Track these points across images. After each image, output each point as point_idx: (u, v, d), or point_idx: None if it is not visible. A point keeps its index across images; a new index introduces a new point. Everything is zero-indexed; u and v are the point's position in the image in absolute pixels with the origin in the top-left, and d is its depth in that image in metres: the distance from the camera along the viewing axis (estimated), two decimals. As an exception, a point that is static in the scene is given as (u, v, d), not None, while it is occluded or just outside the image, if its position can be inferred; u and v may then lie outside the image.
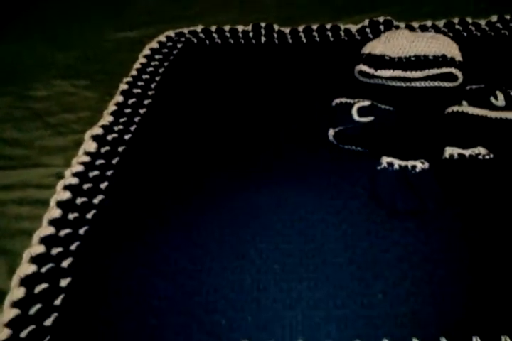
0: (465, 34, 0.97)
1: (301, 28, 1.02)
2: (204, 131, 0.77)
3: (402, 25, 1.01)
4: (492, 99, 0.71)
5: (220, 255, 0.56)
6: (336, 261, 0.55)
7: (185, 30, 1.05)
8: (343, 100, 0.75)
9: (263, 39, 1.01)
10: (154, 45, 1.00)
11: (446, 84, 0.81)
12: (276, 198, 0.63)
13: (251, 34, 1.02)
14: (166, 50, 1.00)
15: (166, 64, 0.96)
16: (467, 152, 0.64)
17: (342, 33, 1.00)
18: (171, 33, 1.04)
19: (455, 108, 0.69)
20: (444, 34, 0.96)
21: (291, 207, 0.62)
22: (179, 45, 1.01)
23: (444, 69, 0.79)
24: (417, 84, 0.83)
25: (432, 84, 0.82)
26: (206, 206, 0.63)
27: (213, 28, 1.04)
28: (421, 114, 0.73)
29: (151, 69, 0.94)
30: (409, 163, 0.63)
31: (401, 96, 0.81)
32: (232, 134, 0.76)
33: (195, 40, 1.02)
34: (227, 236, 0.58)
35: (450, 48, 0.84)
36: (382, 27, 1.00)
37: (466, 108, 0.69)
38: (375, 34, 0.97)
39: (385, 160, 0.64)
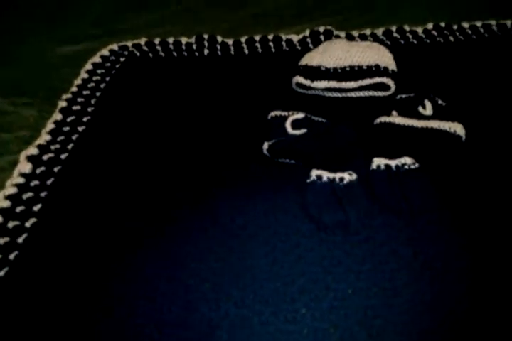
0: (402, 42, 0.99)
1: (243, 39, 1.03)
2: (143, 147, 0.77)
3: (343, 34, 1.02)
4: (420, 109, 0.73)
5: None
6: (263, 276, 0.56)
7: (129, 44, 1.04)
8: (278, 113, 0.76)
9: (206, 51, 1.01)
10: (96, 59, 1.00)
11: (379, 93, 0.83)
12: (210, 214, 0.64)
13: (194, 46, 1.02)
14: (108, 64, 0.99)
15: (107, 79, 0.95)
16: (393, 162, 0.66)
17: (284, 44, 1.02)
18: (115, 47, 1.03)
19: (383, 118, 0.71)
20: (383, 42, 0.98)
21: (222, 223, 0.62)
22: (122, 59, 1.01)
23: (377, 79, 0.81)
24: (352, 94, 0.84)
25: (365, 94, 0.83)
26: (142, 227, 0.63)
27: (157, 41, 1.04)
28: (354, 125, 0.74)
29: (92, 84, 0.93)
30: (338, 176, 0.65)
31: (337, 107, 0.82)
32: (173, 150, 0.77)
33: (138, 54, 1.02)
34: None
35: (384, 58, 0.86)
36: (322, 37, 1.01)
37: (393, 118, 0.71)
38: (315, 44, 0.99)
39: (315, 173, 0.65)
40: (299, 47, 1.01)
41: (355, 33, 1.03)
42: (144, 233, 0.62)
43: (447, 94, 0.80)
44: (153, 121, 0.83)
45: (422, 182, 0.64)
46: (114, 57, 1.01)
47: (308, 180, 0.65)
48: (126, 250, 0.60)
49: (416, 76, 0.87)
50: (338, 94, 0.85)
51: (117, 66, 0.99)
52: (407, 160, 0.66)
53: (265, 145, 0.71)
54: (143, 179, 0.71)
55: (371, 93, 0.84)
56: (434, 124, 0.70)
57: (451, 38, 0.99)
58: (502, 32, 0.99)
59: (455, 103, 0.78)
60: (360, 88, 0.84)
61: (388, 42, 0.99)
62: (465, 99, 0.80)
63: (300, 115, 0.74)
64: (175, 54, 1.02)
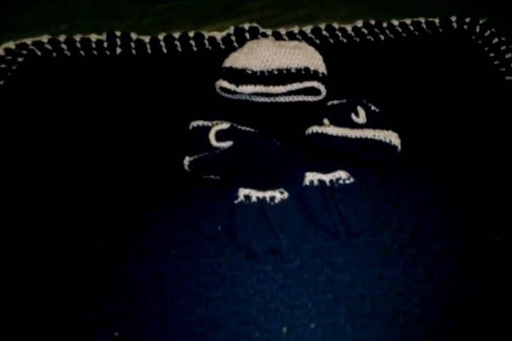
0: (331, 41, 0.94)
1: (161, 37, 0.93)
2: (39, 157, 0.67)
3: (269, 32, 0.96)
4: (353, 116, 0.68)
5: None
6: (187, 319, 0.48)
7: (29, 41, 0.91)
8: (201, 123, 0.68)
9: (119, 50, 0.90)
10: (-11, 59, 0.86)
11: (309, 98, 0.77)
12: (125, 240, 0.55)
13: (105, 44, 0.91)
14: (3, 66, 0.86)
15: (1, 82, 0.82)
16: (327, 177, 0.61)
17: (206, 42, 0.93)
18: (11, 45, 0.90)
19: (315, 128, 0.66)
20: (311, 41, 0.93)
21: (137, 252, 0.54)
22: (20, 59, 0.88)
23: (307, 84, 0.76)
24: (281, 99, 0.78)
25: (295, 99, 0.78)
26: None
27: (62, 38, 0.92)
28: (283, 136, 0.68)
29: (-18, 89, 0.80)
30: (268, 195, 0.58)
31: (265, 113, 0.76)
32: (74, 163, 0.66)
33: (40, 53, 0.89)
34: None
35: (313, 60, 0.80)
36: (248, 35, 0.94)
37: (326, 128, 0.66)
38: (240, 43, 0.91)
39: (242, 192, 0.58)
40: (222, 46, 0.92)
41: (282, 31, 0.97)
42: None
43: (380, 97, 0.76)
44: (51, 130, 0.72)
45: (358, 199, 0.59)
46: (10, 57, 0.88)
47: (235, 201, 0.58)
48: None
49: (347, 78, 0.82)
50: (266, 99, 0.79)
51: (14, 67, 0.86)
52: (341, 175, 0.61)
53: (186, 161, 0.63)
54: (38, 189, 0.61)
55: (301, 98, 0.78)
56: (369, 134, 0.65)
57: (382, 37, 0.96)
58: (432, 30, 0.96)
59: (389, 107, 0.74)
60: (290, 93, 0.78)
61: (317, 41, 0.94)
62: (399, 103, 0.77)
63: (225, 125, 0.67)
64: (82, 53, 0.90)
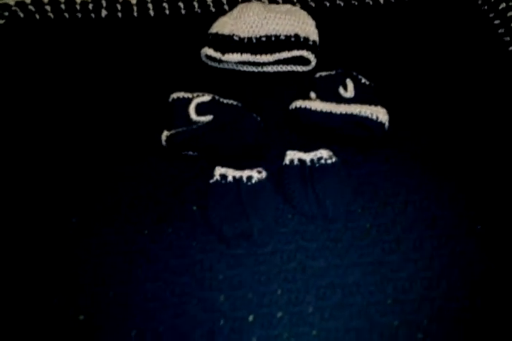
0: (327, 4, 0.88)
1: (149, -2, 0.88)
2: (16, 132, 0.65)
3: (263, -10, 0.89)
4: (341, 90, 0.64)
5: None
6: (152, 305, 0.48)
7: (12, 2, 0.87)
8: (181, 95, 0.65)
9: (104, 12, 0.85)
10: (-33, 21, 0.82)
11: (298, 68, 0.73)
12: (95, 219, 0.54)
13: (90, 6, 0.86)
14: (-17, 28, 0.82)
15: (-20, 47, 0.79)
16: (308, 156, 0.58)
17: (196, 4, 0.88)
18: (-8, 5, 0.85)
19: (299, 103, 0.62)
20: (306, 4, 0.87)
21: (106, 232, 0.53)
22: (1, 21, 0.84)
23: (295, 52, 0.71)
24: (269, 68, 0.74)
25: (283, 68, 0.73)
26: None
27: (46, -1, 0.87)
28: (266, 110, 0.65)
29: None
30: (245, 174, 0.56)
31: (252, 83, 0.72)
32: (52, 136, 0.64)
33: (22, 15, 0.85)
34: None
35: (305, 25, 0.75)
36: (239, -5, 0.88)
37: (310, 103, 0.62)
38: (231, 5, 0.85)
39: (219, 171, 0.56)
40: (212, 9, 0.87)
41: (277, -8, 0.90)
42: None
43: (375, 67, 0.72)
44: (31, 99, 0.70)
45: (339, 180, 0.56)
46: (-9, 19, 0.84)
47: (210, 181, 0.55)
48: None
49: (342, 46, 0.77)
50: (254, 69, 0.75)
51: (-6, 30, 0.82)
52: (323, 154, 0.58)
53: (163, 136, 0.60)
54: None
55: (289, 67, 0.74)
56: (355, 109, 0.61)
57: (381, 0, 0.89)
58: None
59: (383, 78, 0.70)
60: (278, 62, 0.73)
61: (312, 4, 0.88)
62: (395, 74, 0.72)
63: (206, 97, 0.64)
64: (66, 15, 0.86)
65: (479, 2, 0.87)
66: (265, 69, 0.74)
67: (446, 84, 0.71)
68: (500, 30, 0.81)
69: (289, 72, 0.74)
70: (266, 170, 0.57)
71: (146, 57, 0.77)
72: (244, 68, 0.75)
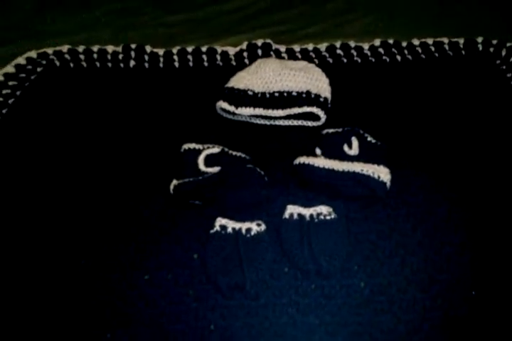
0: (345, 60, 0.92)
1: (175, 50, 0.94)
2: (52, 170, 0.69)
3: (283, 48, 0.95)
4: (345, 147, 0.67)
5: None
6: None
7: (50, 51, 0.94)
8: (192, 146, 0.68)
9: (132, 62, 0.92)
10: (10, 69, 0.90)
11: (308, 123, 0.76)
12: (101, 261, 0.57)
13: (120, 56, 0.93)
14: (23, 75, 0.89)
15: (18, 93, 0.86)
16: (308, 211, 0.60)
17: (218, 57, 0.93)
18: (33, 54, 0.93)
19: (302, 159, 0.65)
20: (325, 59, 0.91)
21: (109, 276, 0.55)
22: (39, 69, 0.91)
23: (306, 109, 0.75)
24: (280, 122, 0.78)
25: (294, 122, 0.77)
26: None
27: (81, 49, 0.94)
28: (276, 162, 0.67)
29: (0, 99, 0.84)
30: (244, 226, 0.58)
31: (263, 136, 0.75)
32: (80, 176, 0.69)
33: (58, 63, 0.92)
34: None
35: (318, 82, 0.79)
36: (260, 51, 0.93)
37: (313, 159, 0.64)
38: (252, 59, 0.91)
39: (219, 222, 0.58)
40: (234, 63, 0.92)
41: (296, 48, 0.95)
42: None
43: (388, 126, 0.74)
44: (65, 141, 0.75)
45: (336, 237, 0.58)
46: (30, 67, 0.91)
47: (211, 231, 0.58)
48: None
49: (356, 103, 0.81)
50: (266, 122, 0.79)
51: (33, 77, 0.89)
52: (323, 210, 0.60)
53: (172, 185, 0.64)
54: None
55: (300, 122, 0.77)
56: (357, 168, 0.63)
57: (399, 57, 0.93)
58: (454, 51, 0.92)
59: (394, 138, 0.72)
60: (289, 116, 0.77)
61: (330, 60, 0.92)
62: (407, 134, 0.74)
63: (216, 149, 0.67)
64: (98, 64, 0.93)
65: (497, 62, 0.90)
66: (277, 122, 0.78)
67: (456, 146, 0.72)
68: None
69: (299, 126, 0.77)
70: (266, 222, 0.59)
71: (167, 108, 0.82)
72: (257, 121, 0.79)
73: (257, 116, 0.78)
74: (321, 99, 0.77)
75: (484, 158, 0.68)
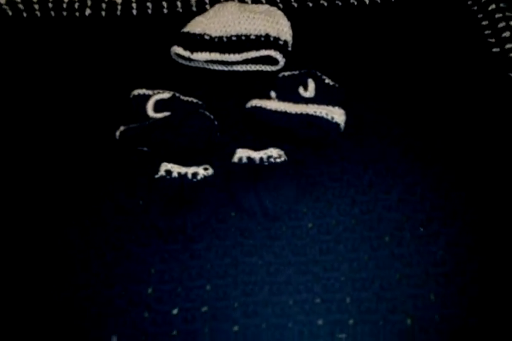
0: (310, 4, 0.88)
1: (133, -2, 0.89)
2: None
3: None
4: (301, 89, 0.64)
5: None
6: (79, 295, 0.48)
7: (3, 0, 0.89)
8: (142, 92, 0.65)
9: (88, 11, 0.87)
10: (-41, 19, 0.85)
11: (268, 68, 0.73)
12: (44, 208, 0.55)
13: (76, 5, 0.89)
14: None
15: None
16: (257, 155, 0.58)
17: (179, 3, 0.89)
18: (-17, 4, 0.89)
19: (254, 102, 0.62)
20: (289, 4, 0.87)
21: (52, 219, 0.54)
22: (-11, 20, 0.87)
23: (263, 52, 0.71)
24: (238, 68, 0.74)
25: (252, 67, 0.73)
26: None
27: (35, -3, 0.89)
28: (225, 109, 0.65)
29: None
30: (191, 170, 0.56)
31: (220, 82, 0.72)
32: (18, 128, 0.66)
33: (11, 12, 0.88)
34: None
35: (278, 25, 0.75)
36: (222, -5, 0.88)
37: (266, 102, 0.62)
38: (213, 4, 0.86)
39: (164, 167, 0.56)
40: (194, 8, 0.88)
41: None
42: None
43: (350, 68, 0.71)
44: (16, 91, 0.72)
45: (285, 180, 0.56)
46: (-20, 17, 0.87)
47: (156, 176, 0.56)
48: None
49: (317, 46, 0.77)
50: (224, 68, 0.75)
51: (-17, 27, 0.85)
52: (273, 153, 0.58)
53: (118, 131, 0.61)
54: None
55: (258, 67, 0.74)
56: (311, 110, 0.61)
57: (367, 0, 0.88)
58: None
59: (355, 79, 0.69)
60: (248, 61, 0.73)
61: (295, 5, 0.87)
62: (369, 75, 0.71)
63: (166, 95, 0.64)
64: (53, 13, 0.88)
65: (469, 2, 0.86)
66: (235, 68, 0.75)
67: (416, 89, 0.69)
68: (486, 31, 0.79)
69: (259, 71, 0.74)
70: (215, 167, 0.57)
71: (122, 56, 0.78)
72: (214, 67, 0.75)
73: (214, 62, 0.74)
74: (280, 42, 0.73)
75: (440, 100, 0.66)
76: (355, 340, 0.44)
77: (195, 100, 0.65)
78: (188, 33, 0.74)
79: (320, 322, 0.46)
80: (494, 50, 0.75)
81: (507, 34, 0.77)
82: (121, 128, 0.61)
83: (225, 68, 0.75)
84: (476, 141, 0.60)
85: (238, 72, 0.75)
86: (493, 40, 0.77)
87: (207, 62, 0.74)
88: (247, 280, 0.49)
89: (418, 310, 0.46)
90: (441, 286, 0.47)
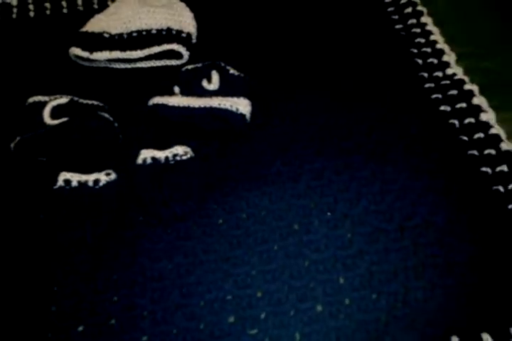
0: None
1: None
2: None
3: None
4: (204, 82, 0.62)
5: None
6: None
7: None
8: (37, 98, 0.62)
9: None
10: None
11: (172, 62, 0.71)
12: None
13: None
14: None
15: None
16: (162, 154, 0.56)
17: (80, 2, 0.85)
18: None
19: (155, 99, 0.60)
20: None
21: None
22: None
23: (165, 46, 0.69)
24: (142, 64, 0.72)
25: (156, 63, 0.71)
26: None
27: None
28: (133, 107, 0.62)
29: None
30: (91, 178, 0.53)
31: (123, 80, 0.70)
32: None
33: None
34: None
35: (180, 18, 0.73)
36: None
37: (167, 98, 0.60)
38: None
39: (63, 176, 0.54)
40: (96, 6, 0.84)
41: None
42: None
43: (254, 57, 0.70)
44: None
45: (192, 177, 0.54)
46: None
47: (54, 186, 0.53)
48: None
49: (223, 36, 0.75)
50: (128, 66, 0.72)
51: None
52: (178, 150, 0.56)
53: (13, 143, 0.58)
54: None
55: (163, 62, 0.72)
56: (215, 102, 0.59)
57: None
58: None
59: (257, 70, 0.67)
60: (150, 57, 0.71)
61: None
62: (277, 63, 0.69)
63: (63, 100, 0.61)
64: None
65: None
66: (138, 65, 0.72)
67: (327, 72, 0.68)
68: (389, 9, 0.79)
69: (164, 66, 0.72)
70: (119, 171, 0.55)
71: (21, 60, 0.74)
72: (117, 65, 0.72)
73: (116, 60, 0.71)
74: (183, 35, 0.71)
75: (345, 83, 0.65)
76: (266, 334, 0.43)
77: (95, 102, 0.63)
78: (86, 32, 0.71)
79: (231, 319, 0.45)
80: (397, 26, 0.75)
81: (409, 10, 0.77)
82: (17, 138, 0.58)
83: (128, 66, 0.72)
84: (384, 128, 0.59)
85: (143, 69, 0.72)
86: (397, 16, 0.78)
87: (109, 61, 0.71)
88: (155, 287, 0.47)
89: (327, 295, 0.46)
90: (350, 270, 0.47)
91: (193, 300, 0.46)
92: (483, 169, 0.55)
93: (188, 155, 0.56)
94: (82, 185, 0.53)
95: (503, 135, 0.59)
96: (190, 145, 0.58)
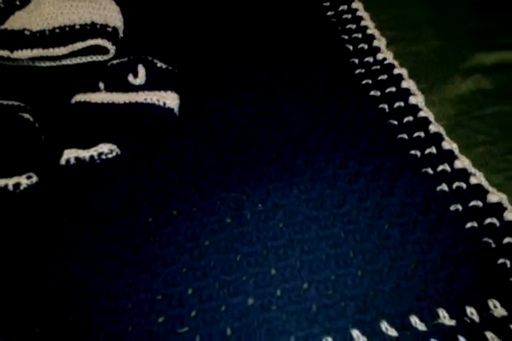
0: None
1: None
2: None
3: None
4: (130, 77, 0.60)
5: None
6: None
7: None
8: (-48, 102, 0.58)
9: None
10: None
11: (99, 58, 0.68)
12: None
13: None
14: None
15: None
16: (87, 153, 0.53)
17: (1, -1, 0.80)
18: None
19: (78, 97, 0.57)
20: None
21: None
22: None
23: (90, 42, 0.66)
24: (68, 61, 0.69)
25: (82, 60, 0.68)
26: None
27: None
28: (57, 106, 0.60)
29: None
30: (11, 182, 0.51)
31: (48, 79, 0.67)
32: None
33: None
34: None
35: (105, 12, 0.70)
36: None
37: (90, 95, 0.57)
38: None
39: (-20, 183, 0.50)
40: (18, 2, 0.80)
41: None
42: None
43: (184, 49, 0.68)
44: None
45: (119, 176, 0.52)
46: None
47: (-31, 194, 0.50)
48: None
49: (151, 29, 0.73)
50: (52, 63, 0.69)
51: None
52: (104, 148, 0.54)
53: None
54: None
55: (89, 58, 0.69)
56: (141, 97, 0.57)
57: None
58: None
59: (186, 62, 0.66)
60: (75, 53, 0.68)
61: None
62: (199, 59, 0.68)
63: (-20, 102, 0.58)
64: None
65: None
66: (64, 62, 0.69)
67: (259, 61, 0.67)
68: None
69: (90, 63, 0.69)
70: (41, 174, 0.52)
71: None
72: (42, 63, 0.69)
73: (39, 58, 0.68)
74: (109, 29, 0.68)
75: (277, 70, 0.64)
76: (197, 332, 0.42)
77: (16, 103, 0.60)
78: (5, 30, 0.68)
79: (161, 319, 0.43)
80: (329, 13, 0.75)
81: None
82: None
83: (53, 64, 0.69)
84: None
85: (69, 66, 0.69)
86: (328, 3, 0.77)
87: (32, 59, 0.68)
88: (81, 291, 0.45)
89: (259, 287, 0.45)
90: (282, 260, 0.46)
91: (120, 303, 0.44)
92: (413, 152, 0.55)
93: (114, 153, 0.54)
94: (2, 189, 0.50)
95: (431, 117, 0.59)
96: (117, 142, 0.55)
